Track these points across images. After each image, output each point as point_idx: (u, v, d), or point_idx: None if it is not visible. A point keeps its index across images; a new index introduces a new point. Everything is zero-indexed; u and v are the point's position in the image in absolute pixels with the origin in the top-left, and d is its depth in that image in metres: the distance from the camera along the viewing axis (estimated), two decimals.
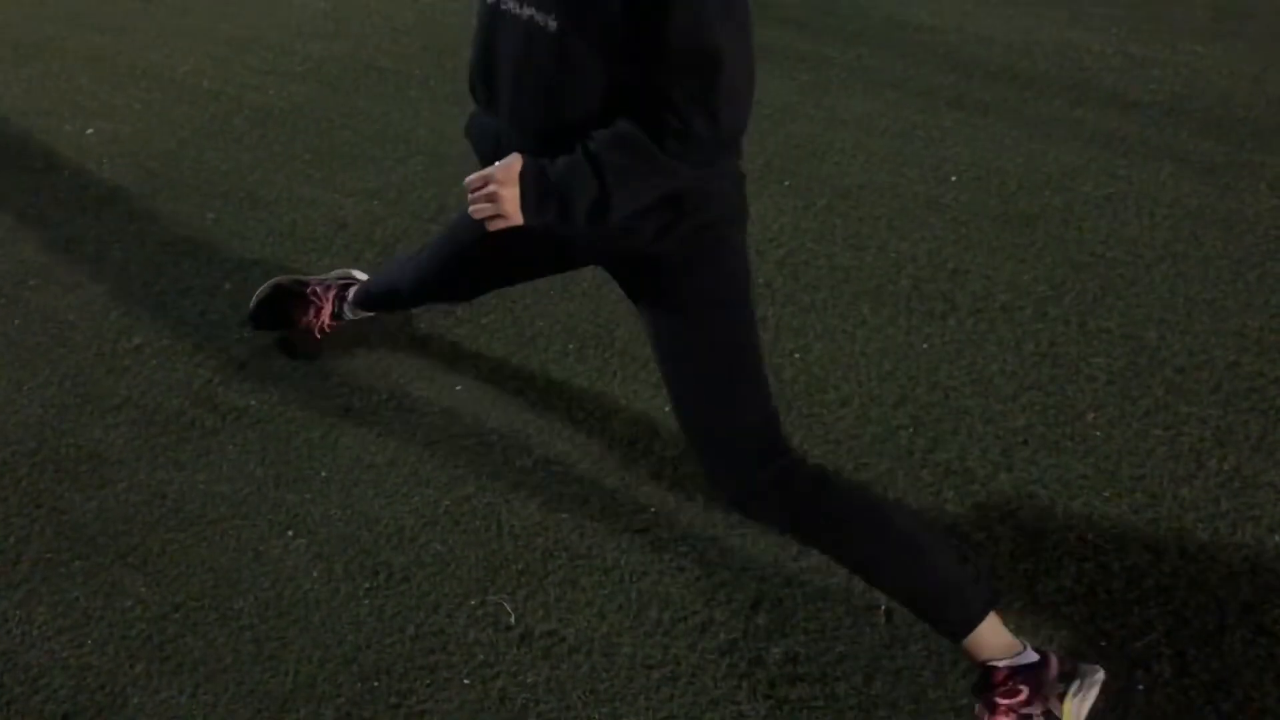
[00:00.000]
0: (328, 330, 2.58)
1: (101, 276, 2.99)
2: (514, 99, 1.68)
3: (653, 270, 1.75)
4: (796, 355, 2.53)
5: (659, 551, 2.04)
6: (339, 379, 2.55)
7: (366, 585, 2.03)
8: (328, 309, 2.57)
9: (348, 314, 2.56)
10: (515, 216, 1.60)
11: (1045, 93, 3.74)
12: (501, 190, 1.58)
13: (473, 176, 1.62)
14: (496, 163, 1.61)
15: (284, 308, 2.61)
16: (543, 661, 1.89)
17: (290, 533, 2.15)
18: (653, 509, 2.15)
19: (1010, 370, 2.45)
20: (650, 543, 2.06)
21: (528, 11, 1.61)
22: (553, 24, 1.57)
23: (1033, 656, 1.69)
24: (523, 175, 1.58)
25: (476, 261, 2.07)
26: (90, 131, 3.86)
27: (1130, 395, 2.35)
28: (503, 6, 1.65)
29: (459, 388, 2.50)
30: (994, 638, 1.70)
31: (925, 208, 3.09)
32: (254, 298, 2.63)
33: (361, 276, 2.72)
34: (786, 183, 3.25)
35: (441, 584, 2.02)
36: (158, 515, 2.21)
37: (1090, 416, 2.30)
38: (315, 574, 2.06)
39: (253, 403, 2.49)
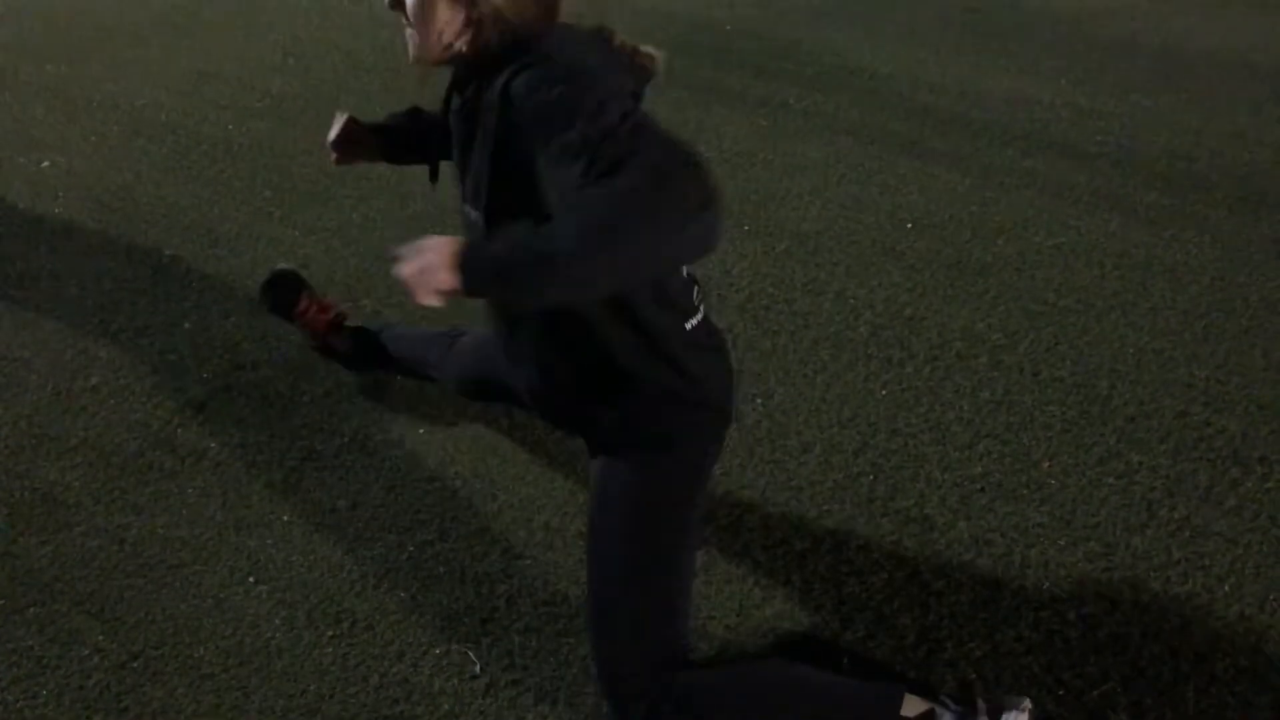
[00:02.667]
0: (321, 330, 2.50)
1: (57, 314, 2.96)
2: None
3: (613, 448, 1.71)
4: (759, 401, 2.56)
5: None
6: (301, 421, 2.53)
7: (330, 633, 2.01)
8: (330, 317, 2.50)
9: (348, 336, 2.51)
10: (444, 272, 1.34)
11: (996, 142, 3.83)
12: (432, 252, 1.35)
13: (398, 254, 1.40)
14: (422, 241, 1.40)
15: (291, 290, 2.52)
16: (508, 711, 1.88)
17: (252, 579, 2.13)
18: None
19: (967, 418, 2.50)
20: None
21: (467, 206, 1.58)
22: (475, 215, 1.54)
23: (953, 711, 1.73)
24: (457, 252, 1.36)
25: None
26: (45, 164, 3.82)
27: (1083, 444, 2.40)
28: (463, 208, 1.61)
29: (422, 431, 2.50)
30: (915, 711, 1.74)
31: (882, 254, 3.15)
32: (272, 270, 2.58)
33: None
34: (746, 227, 3.30)
35: (405, 632, 2.01)
36: (115, 560, 2.18)
37: (1045, 465, 2.35)
38: (277, 621, 2.04)
39: (212, 445, 2.47)
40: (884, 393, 2.59)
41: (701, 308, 1.69)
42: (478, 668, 1.94)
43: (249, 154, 3.86)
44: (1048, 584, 2.05)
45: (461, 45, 1.51)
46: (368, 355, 2.47)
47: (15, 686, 1.94)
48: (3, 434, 2.52)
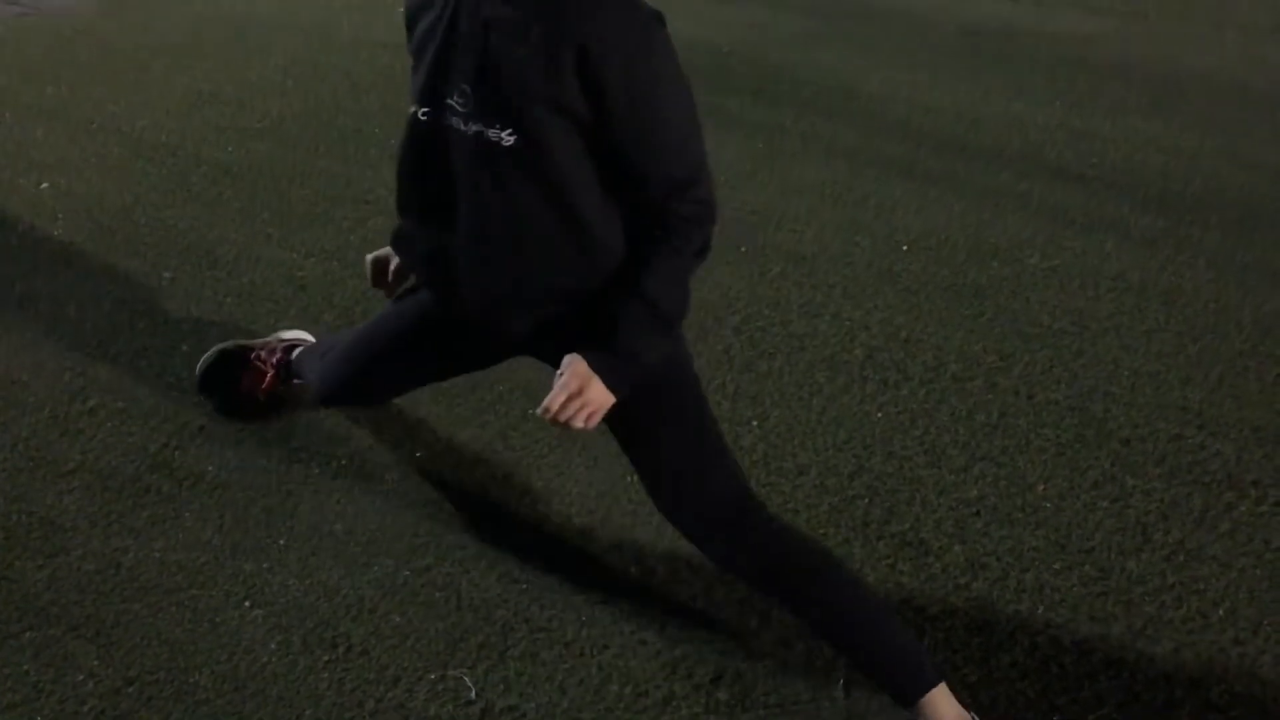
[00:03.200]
0: (268, 395, 2.58)
1: (55, 336, 2.96)
2: (473, 219, 1.74)
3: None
4: (754, 423, 2.57)
5: (620, 624, 2.05)
6: (298, 444, 2.54)
7: (325, 658, 2.01)
8: (270, 374, 2.58)
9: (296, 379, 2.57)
10: (608, 401, 1.70)
11: (992, 164, 3.85)
12: (587, 396, 1.67)
13: (551, 402, 1.69)
14: (561, 376, 1.70)
15: (229, 373, 2.61)
16: None
17: (248, 603, 2.14)
18: (614, 580, 2.16)
19: (962, 441, 2.51)
20: (612, 615, 2.07)
21: (474, 127, 1.66)
22: (508, 138, 1.63)
23: None
24: (598, 370, 1.68)
25: (406, 361, 2.17)
26: (44, 186, 3.84)
27: (1079, 467, 2.41)
28: (446, 123, 1.69)
29: (419, 454, 2.51)
30: (948, 707, 1.74)
31: (878, 276, 3.17)
32: (199, 364, 2.63)
33: (311, 339, 2.72)
34: (743, 249, 3.31)
35: (401, 657, 2.01)
36: (112, 585, 2.18)
37: (1040, 488, 2.35)
38: (273, 646, 2.04)
39: (210, 468, 2.47)
40: (880, 415, 2.60)
41: None
42: (473, 693, 1.94)
43: (248, 176, 3.88)
44: (1042, 609, 2.06)
45: None
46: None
47: (10, 711, 1.93)
48: (0, 457, 2.53)
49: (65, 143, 4.18)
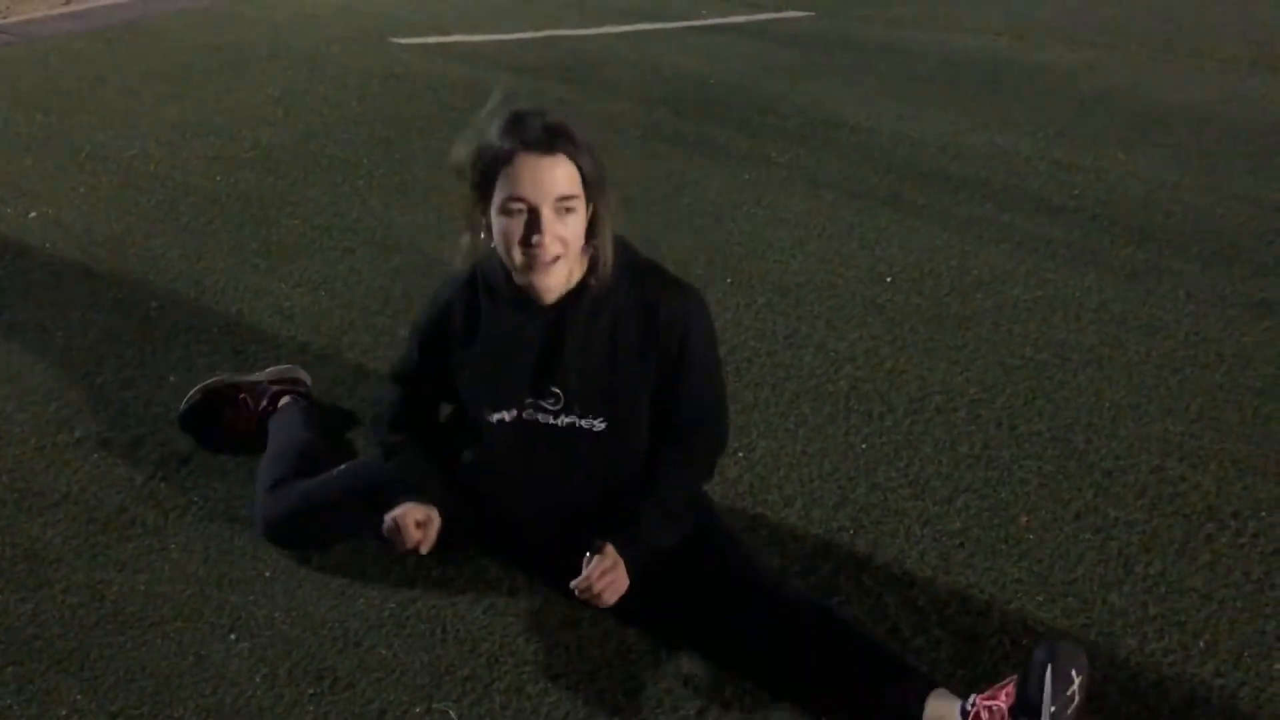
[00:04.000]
0: (250, 434, 2.59)
1: (42, 366, 2.97)
2: (555, 489, 2.11)
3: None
4: (740, 454, 2.58)
5: (606, 658, 2.06)
6: None
7: (310, 691, 2.01)
8: (254, 415, 2.61)
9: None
10: (625, 585, 2.01)
11: (975, 196, 3.89)
12: (617, 575, 1.99)
13: (591, 578, 1.98)
14: (592, 558, 2.00)
15: (213, 408, 2.63)
16: None
17: (233, 635, 2.13)
18: (600, 614, 2.16)
19: (946, 472, 2.52)
20: (597, 649, 2.08)
21: (566, 419, 2.03)
22: (600, 425, 2.03)
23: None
24: (624, 556, 2.01)
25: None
26: (33, 215, 3.85)
27: (1061, 498, 2.43)
28: (539, 419, 2.05)
29: None
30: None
31: (862, 307, 3.19)
32: (184, 402, 2.63)
33: (304, 375, 2.73)
34: (729, 280, 3.34)
35: (386, 690, 2.01)
36: (96, 617, 2.17)
37: (1023, 520, 2.37)
38: (258, 679, 2.04)
39: (196, 499, 2.48)
40: (864, 446, 2.61)
41: None
42: None
43: (236, 205, 3.90)
44: (1026, 640, 2.07)
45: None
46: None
47: None
48: None
49: (54, 171, 4.20)
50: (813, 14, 6.20)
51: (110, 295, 3.32)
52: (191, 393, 2.63)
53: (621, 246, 2.02)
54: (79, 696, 2.00)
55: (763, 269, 3.42)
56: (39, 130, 4.61)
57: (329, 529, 2.30)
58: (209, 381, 2.65)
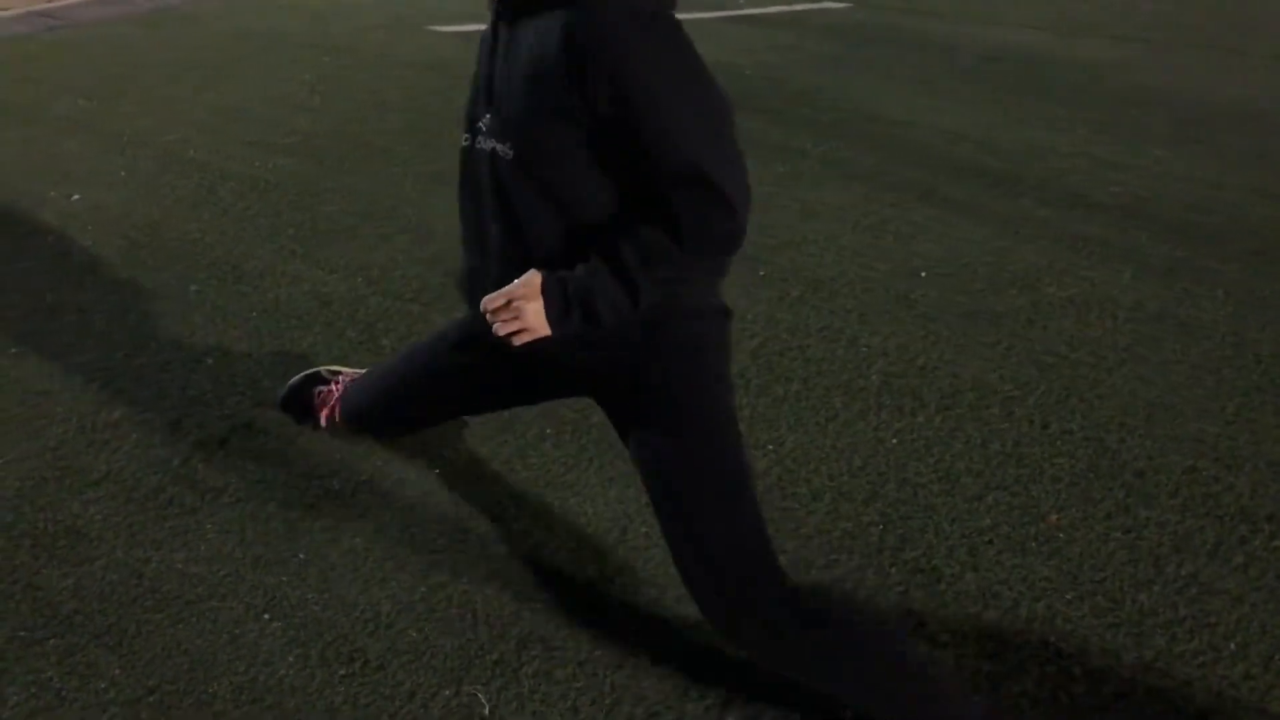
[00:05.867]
0: (330, 423, 2.55)
1: (83, 348, 3.02)
2: (497, 235, 1.75)
3: (634, 393, 1.81)
4: (770, 447, 2.59)
5: (634, 644, 2.07)
6: (319, 458, 2.57)
7: (342, 672, 2.04)
8: (331, 402, 2.55)
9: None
10: (541, 329, 1.67)
11: (1012, 191, 3.87)
12: (525, 305, 1.65)
13: (492, 295, 1.69)
14: (516, 280, 1.67)
15: (309, 393, 2.59)
16: None
17: (267, 615, 2.17)
18: (629, 600, 2.18)
19: (976, 469, 2.52)
20: (625, 635, 2.09)
21: (489, 144, 1.70)
22: (506, 151, 1.67)
23: None
24: (544, 288, 1.65)
25: (454, 388, 2.15)
26: (76, 198, 3.91)
27: (1092, 498, 2.42)
28: (476, 145, 1.75)
29: (438, 471, 2.54)
30: None
31: (895, 302, 3.19)
32: (287, 385, 2.61)
33: None
34: (761, 272, 3.34)
35: (416, 673, 2.04)
36: (134, 594, 2.22)
37: (1054, 518, 2.36)
38: (291, 659, 2.07)
39: (233, 481, 2.51)
40: (895, 441, 2.61)
41: None
42: (487, 710, 1.96)
43: (275, 191, 3.94)
44: (1054, 638, 2.07)
45: None
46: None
47: (34, 718, 1.97)
48: (28, 466, 2.57)
49: (97, 156, 4.25)
50: (849, 5, 6.18)
51: (149, 278, 3.37)
52: (296, 378, 2.62)
53: None
54: (117, 671, 2.05)
55: (796, 262, 3.42)
56: (81, 115, 4.67)
57: (408, 401, 2.26)
58: (312, 370, 2.64)
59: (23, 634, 2.14)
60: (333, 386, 2.54)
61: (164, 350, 3.00)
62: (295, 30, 5.76)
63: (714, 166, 1.59)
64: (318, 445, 2.61)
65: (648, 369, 1.79)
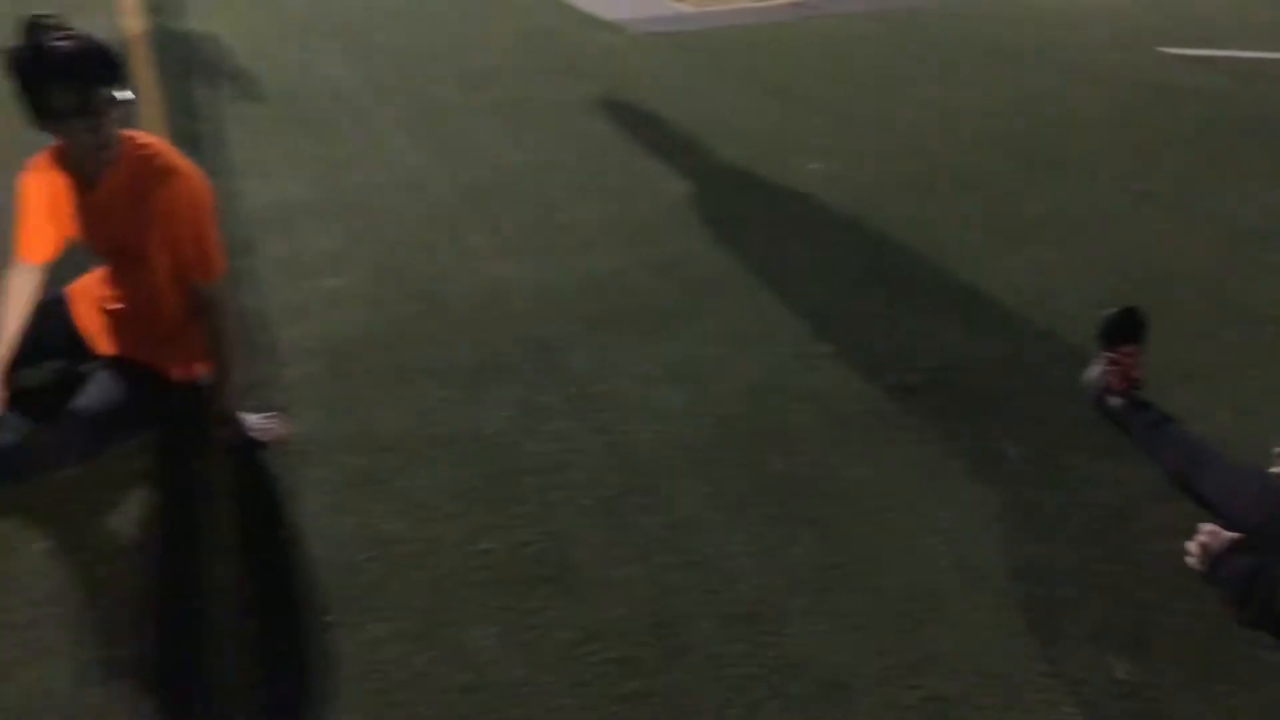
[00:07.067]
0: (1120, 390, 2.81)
1: (786, 298, 3.58)
2: None
3: None
4: None
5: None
6: (994, 422, 2.84)
7: (989, 599, 2.30)
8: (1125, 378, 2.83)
9: None
10: None
11: None
12: None
13: None
14: None
15: (1121, 332, 2.86)
16: None
17: (932, 538, 2.49)
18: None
19: None
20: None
21: None
22: None
23: None
24: None
25: None
26: (813, 166, 4.54)
27: None
28: None
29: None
30: None
31: None
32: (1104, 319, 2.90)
33: None
34: None
35: (1055, 628, 2.24)
36: (826, 489, 2.65)
37: None
38: (947, 575, 2.37)
39: (914, 421, 2.88)
40: None
41: None
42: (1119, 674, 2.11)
43: (984, 183, 4.25)
44: None
45: None
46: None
47: (749, 559, 2.47)
48: (751, 379, 3.14)
49: (832, 131, 4.88)
50: None
51: (869, 243, 3.88)
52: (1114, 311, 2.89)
53: None
54: (808, 540, 2.49)
55: None
56: (819, 98, 5.36)
57: None
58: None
59: (752, 499, 2.66)
60: (1118, 360, 2.80)
61: (874, 304, 3.47)
62: (1019, 40, 6.00)
63: None
64: (997, 409, 2.89)
65: None
